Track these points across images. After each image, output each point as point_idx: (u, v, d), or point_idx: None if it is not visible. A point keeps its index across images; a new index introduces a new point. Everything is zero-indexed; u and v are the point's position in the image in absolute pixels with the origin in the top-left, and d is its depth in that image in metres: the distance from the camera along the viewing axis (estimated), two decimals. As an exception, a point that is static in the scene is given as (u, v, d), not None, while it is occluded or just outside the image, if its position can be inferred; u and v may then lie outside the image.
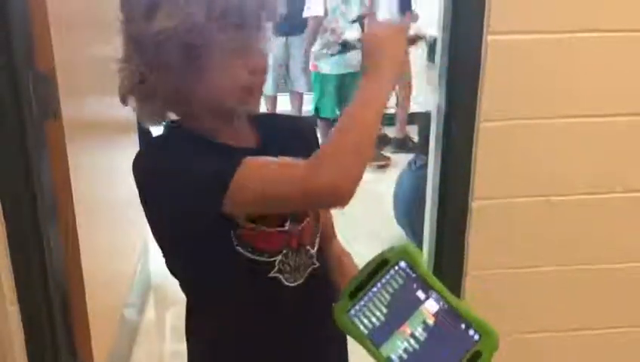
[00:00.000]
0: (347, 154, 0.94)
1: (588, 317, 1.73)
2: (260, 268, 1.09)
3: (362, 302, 0.96)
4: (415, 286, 0.96)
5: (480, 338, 0.93)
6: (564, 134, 1.55)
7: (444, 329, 0.94)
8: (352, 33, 4.51)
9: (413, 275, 0.96)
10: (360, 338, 0.95)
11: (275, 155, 1.06)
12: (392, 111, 5.11)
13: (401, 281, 0.97)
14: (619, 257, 1.68)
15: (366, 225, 3.40)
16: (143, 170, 1.06)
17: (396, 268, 0.97)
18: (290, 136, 1.19)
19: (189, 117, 1.10)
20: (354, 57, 4.66)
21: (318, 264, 1.17)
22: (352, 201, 0.94)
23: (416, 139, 3.45)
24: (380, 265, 0.98)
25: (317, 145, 1.21)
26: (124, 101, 1.07)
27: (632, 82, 1.53)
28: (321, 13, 4.44)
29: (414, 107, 4.92)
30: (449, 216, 1.60)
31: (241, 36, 1.01)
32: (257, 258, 1.09)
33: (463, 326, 0.94)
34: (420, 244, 1.78)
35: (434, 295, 0.96)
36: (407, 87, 5.07)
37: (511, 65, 1.48)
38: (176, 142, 1.09)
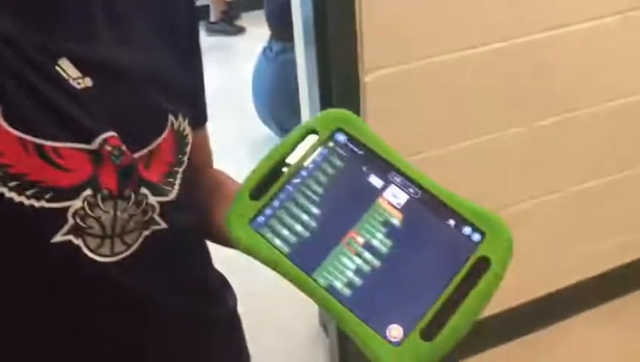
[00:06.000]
0: None
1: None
2: (34, 221, 0.57)
3: (276, 204, 0.57)
4: (365, 168, 0.58)
5: (483, 238, 0.54)
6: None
7: (422, 231, 0.55)
8: None
9: (360, 152, 0.58)
10: (277, 262, 0.54)
11: None
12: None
13: (339, 163, 0.58)
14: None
15: (231, 132, 3.05)
16: None
17: (330, 144, 0.59)
18: None
19: None
20: None
21: (165, 225, 0.66)
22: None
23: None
24: (301, 141, 0.59)
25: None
26: None
27: None
28: None
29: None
30: (337, 96, 1.32)
31: None
32: (26, 201, 0.56)
33: (453, 222, 0.55)
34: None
35: (398, 179, 0.57)
36: None
37: None
38: None
